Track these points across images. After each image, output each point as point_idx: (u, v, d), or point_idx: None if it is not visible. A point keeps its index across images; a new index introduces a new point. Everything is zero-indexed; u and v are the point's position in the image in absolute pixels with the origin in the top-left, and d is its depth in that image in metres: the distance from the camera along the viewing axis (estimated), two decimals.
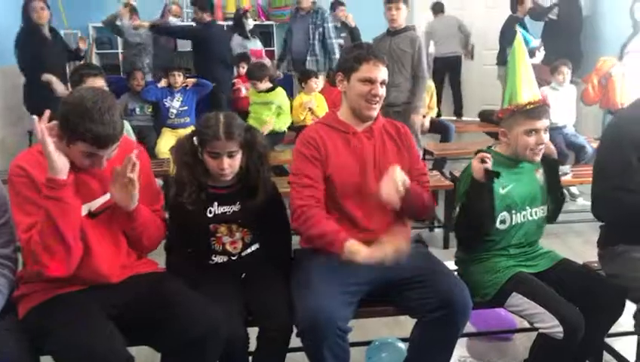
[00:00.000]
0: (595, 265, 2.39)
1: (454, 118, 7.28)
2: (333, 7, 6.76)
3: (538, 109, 2.17)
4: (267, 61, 6.31)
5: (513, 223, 2.23)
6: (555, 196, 2.32)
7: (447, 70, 7.68)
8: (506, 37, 6.11)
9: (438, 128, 5.50)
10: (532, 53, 5.60)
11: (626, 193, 2.07)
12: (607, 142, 2.23)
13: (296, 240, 2.26)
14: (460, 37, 7.57)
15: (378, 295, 2.10)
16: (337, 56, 5.50)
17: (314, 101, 5.17)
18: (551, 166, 2.29)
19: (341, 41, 6.50)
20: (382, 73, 2.13)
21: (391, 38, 4.25)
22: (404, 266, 2.01)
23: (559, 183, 2.34)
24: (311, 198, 2.07)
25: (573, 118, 4.98)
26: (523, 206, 2.23)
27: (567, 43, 6.13)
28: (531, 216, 2.26)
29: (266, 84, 5.10)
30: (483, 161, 2.11)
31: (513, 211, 2.22)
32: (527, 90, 2.19)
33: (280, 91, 5.17)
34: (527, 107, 2.16)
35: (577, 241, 3.88)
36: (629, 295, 2.12)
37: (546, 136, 2.18)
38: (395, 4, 4.17)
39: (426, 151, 4.78)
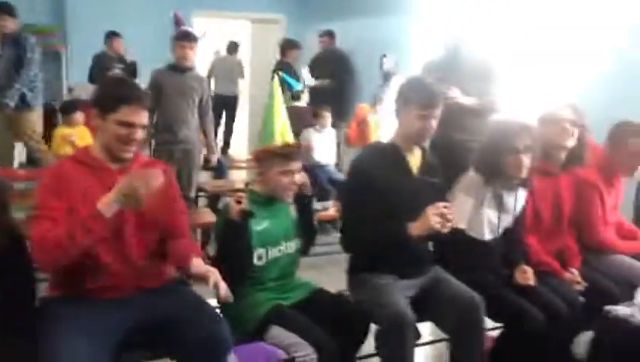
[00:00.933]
0: (347, 292, 2.60)
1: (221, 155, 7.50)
2: (109, 37, 6.50)
3: (292, 152, 2.31)
4: None
5: (270, 258, 2.32)
6: (306, 229, 2.47)
7: (224, 108, 7.88)
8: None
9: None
10: (297, 97, 6.01)
11: (362, 226, 2.30)
12: (347, 179, 2.47)
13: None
14: (239, 77, 7.88)
15: (140, 338, 2.00)
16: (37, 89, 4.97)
17: (76, 134, 4.84)
18: (302, 201, 2.45)
19: (117, 72, 6.27)
20: (143, 117, 2.05)
21: (180, 74, 4.23)
22: (163, 306, 1.96)
23: (310, 217, 2.51)
24: (51, 230, 1.87)
25: (334, 157, 5.43)
26: (278, 241, 2.35)
27: (333, 92, 6.70)
28: (287, 249, 2.38)
29: None
30: (238, 201, 2.17)
31: (269, 247, 2.32)
32: (282, 133, 2.32)
33: None
34: (282, 150, 2.29)
35: (337, 271, 4.17)
36: (373, 318, 2.32)
37: (298, 176, 2.33)
38: (189, 43, 4.19)
39: (200, 188, 4.78)
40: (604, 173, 2.90)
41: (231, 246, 2.18)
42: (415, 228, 2.24)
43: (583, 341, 2.44)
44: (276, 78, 2.49)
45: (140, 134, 2.05)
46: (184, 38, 4.19)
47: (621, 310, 1.89)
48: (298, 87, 6.26)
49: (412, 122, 2.37)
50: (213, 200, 5.10)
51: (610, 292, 2.60)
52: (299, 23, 7.96)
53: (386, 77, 6.04)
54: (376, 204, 2.30)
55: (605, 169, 2.90)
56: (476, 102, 3.54)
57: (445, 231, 2.22)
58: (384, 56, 6.00)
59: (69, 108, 4.95)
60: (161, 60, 4.39)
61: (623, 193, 3.04)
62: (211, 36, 7.75)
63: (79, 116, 4.91)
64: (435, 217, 2.18)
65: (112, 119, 2.01)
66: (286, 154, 2.28)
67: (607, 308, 1.92)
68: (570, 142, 2.71)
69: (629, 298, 2.32)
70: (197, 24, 7.68)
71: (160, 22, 4.31)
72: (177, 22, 4.35)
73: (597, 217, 2.86)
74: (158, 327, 1.99)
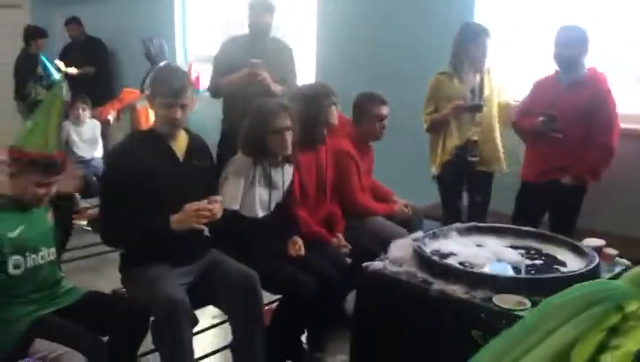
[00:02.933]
0: (124, 289, 2.47)
1: None
2: None
3: (55, 164, 2.11)
4: None
5: (29, 266, 2.10)
6: (62, 231, 2.30)
7: None
8: (21, 73, 5.91)
9: None
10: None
11: (121, 220, 2.22)
12: (104, 171, 2.38)
13: None
14: None
15: None
16: None
17: None
18: (62, 203, 2.27)
19: None
20: None
21: None
22: None
23: (69, 219, 2.35)
24: None
25: (100, 150, 5.10)
26: (37, 247, 2.14)
27: (92, 81, 6.26)
28: (49, 256, 2.18)
29: None
30: None
31: (27, 254, 2.10)
32: (52, 136, 2.09)
33: None
34: (45, 160, 2.06)
35: (113, 269, 3.92)
36: (149, 312, 2.24)
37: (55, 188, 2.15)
38: None
39: None
40: (356, 143, 3.17)
41: None
42: (175, 223, 2.23)
43: (352, 298, 2.67)
44: (65, 84, 2.20)
45: None
46: None
47: (376, 264, 2.09)
48: (57, 77, 5.72)
49: (157, 110, 2.34)
50: None
51: (372, 251, 2.87)
52: (46, 7, 7.21)
53: (153, 61, 5.81)
54: (137, 195, 2.22)
55: (356, 139, 3.18)
56: (281, 88, 3.61)
57: (202, 227, 2.26)
58: (147, 40, 5.75)
59: None
60: None
61: (374, 158, 3.37)
62: None
63: None
64: (193, 215, 2.20)
65: None
66: (47, 165, 2.07)
67: (364, 264, 2.11)
68: (334, 119, 2.92)
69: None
70: None
71: None
72: None
73: (354, 184, 3.13)
74: None
